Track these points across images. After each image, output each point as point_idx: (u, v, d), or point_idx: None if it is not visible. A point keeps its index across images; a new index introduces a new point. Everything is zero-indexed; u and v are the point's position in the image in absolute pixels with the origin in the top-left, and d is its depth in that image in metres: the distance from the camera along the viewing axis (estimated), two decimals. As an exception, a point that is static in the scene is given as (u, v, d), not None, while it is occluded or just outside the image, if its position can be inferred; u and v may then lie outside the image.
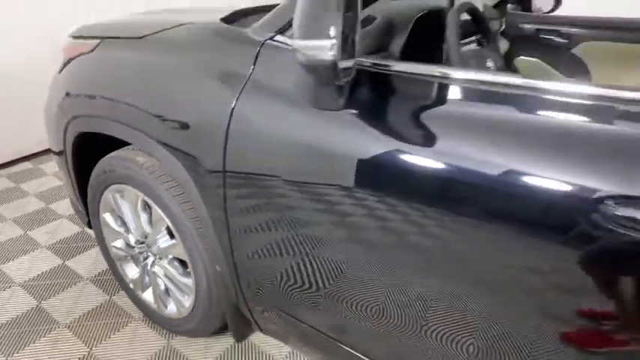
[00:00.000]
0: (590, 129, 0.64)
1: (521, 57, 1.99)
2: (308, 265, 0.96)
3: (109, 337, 1.52)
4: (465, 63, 1.08)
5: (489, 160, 0.67)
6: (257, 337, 1.51)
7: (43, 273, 1.82)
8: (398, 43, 1.03)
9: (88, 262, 1.89)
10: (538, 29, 1.95)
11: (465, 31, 1.33)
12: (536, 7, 2.08)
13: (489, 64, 1.21)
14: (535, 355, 0.69)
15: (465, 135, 0.70)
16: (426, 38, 1.06)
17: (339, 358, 1.07)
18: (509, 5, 2.03)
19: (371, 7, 0.86)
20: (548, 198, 0.62)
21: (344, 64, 0.67)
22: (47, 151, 2.89)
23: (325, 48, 0.63)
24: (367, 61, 0.82)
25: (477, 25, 1.28)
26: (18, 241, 2.03)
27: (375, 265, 0.84)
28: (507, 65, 1.99)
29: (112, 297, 1.70)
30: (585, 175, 0.60)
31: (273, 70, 0.90)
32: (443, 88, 0.78)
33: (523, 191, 0.64)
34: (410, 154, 0.74)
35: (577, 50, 1.88)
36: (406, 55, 1.05)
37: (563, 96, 0.67)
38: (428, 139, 0.73)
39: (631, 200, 0.56)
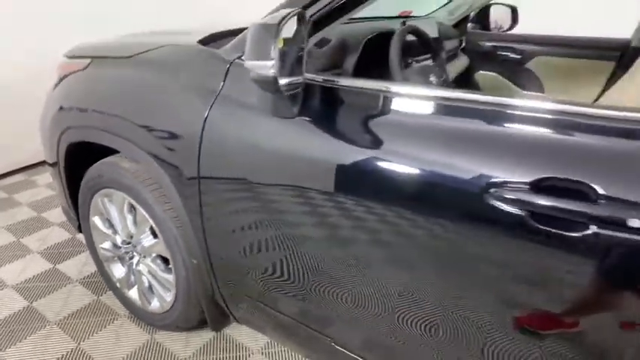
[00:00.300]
0: (487, 129, 0.79)
1: (481, 72, 2.18)
2: (274, 257, 1.10)
3: (96, 333, 1.62)
4: (408, 78, 1.24)
5: (417, 158, 0.81)
6: (234, 331, 1.62)
7: (34, 276, 1.93)
8: (351, 62, 1.18)
9: (78, 266, 2.00)
10: (495, 46, 2.14)
11: (421, 50, 1.50)
12: (495, 26, 2.27)
13: (432, 78, 1.37)
14: (493, 335, 0.82)
15: (396, 138, 0.85)
16: (376, 57, 1.22)
17: (312, 346, 1.19)
18: (469, 24, 2.22)
19: (325, 31, 1.01)
20: (469, 191, 0.76)
21: (284, 80, 0.82)
22: (40, 164, 3.02)
23: (267, 67, 0.78)
24: (318, 77, 0.97)
25: (422, 45, 1.45)
26: (10, 247, 2.13)
27: (335, 255, 0.98)
28: (468, 79, 2.18)
29: (100, 297, 1.81)
30: (494, 168, 0.74)
31: (239, 85, 1.04)
32: (381, 100, 0.93)
33: (447, 184, 0.78)
34: (350, 154, 0.88)
35: (530, 65, 2.06)
36: (358, 72, 1.21)
37: (476, 104, 0.81)
38: (366, 142, 0.87)
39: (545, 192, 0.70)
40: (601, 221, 0.65)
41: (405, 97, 0.88)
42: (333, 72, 1.17)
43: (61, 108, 1.53)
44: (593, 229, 0.65)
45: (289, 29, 0.86)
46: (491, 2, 2.13)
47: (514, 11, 2.20)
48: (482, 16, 2.19)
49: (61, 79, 1.60)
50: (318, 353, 1.21)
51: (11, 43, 2.68)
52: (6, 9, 2.64)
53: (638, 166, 0.65)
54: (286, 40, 0.80)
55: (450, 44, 1.99)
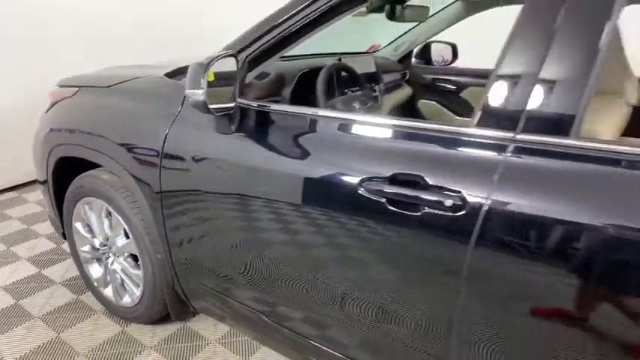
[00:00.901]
0: (364, 139, 1.06)
1: (422, 100, 2.49)
2: (223, 252, 1.34)
3: (75, 326, 1.84)
4: (334, 104, 1.54)
5: (323, 163, 1.08)
6: (197, 324, 1.85)
7: (21, 279, 2.15)
8: (287, 91, 1.47)
9: (61, 271, 2.22)
10: (435, 78, 2.46)
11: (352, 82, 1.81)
12: (439, 60, 2.60)
13: (355, 105, 1.66)
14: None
15: (312, 149, 1.12)
16: (309, 87, 1.51)
17: (264, 332, 1.41)
18: (413, 59, 2.55)
19: (264, 66, 1.30)
20: (352, 185, 1.02)
21: (213, 105, 1.10)
22: (30, 183, 3.26)
23: (198, 94, 1.06)
24: (253, 103, 1.25)
25: (351, 79, 1.75)
26: (1, 255, 2.36)
27: (271, 247, 1.22)
28: (412, 107, 2.49)
29: (79, 296, 2.03)
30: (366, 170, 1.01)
31: (192, 108, 1.32)
32: (302, 121, 1.20)
33: (341, 181, 1.04)
34: (276, 163, 1.14)
35: (464, 94, 2.38)
36: (294, 99, 1.50)
37: (359, 123, 1.09)
38: (289, 153, 1.14)
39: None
40: (430, 203, 0.91)
41: (323, 118, 1.16)
42: (273, 99, 1.45)
43: (51, 129, 1.80)
44: (426, 209, 0.92)
45: (231, 65, 1.16)
46: (431, 40, 2.46)
47: (454, 48, 2.53)
48: (425, 52, 2.51)
49: (52, 105, 1.87)
50: (273, 340, 1.42)
51: (6, 75, 2.97)
52: (7, 46, 2.95)
53: (451, 163, 0.92)
54: (218, 74, 1.09)
55: (393, 77, 2.31)
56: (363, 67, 1.95)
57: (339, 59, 1.78)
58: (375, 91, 2.00)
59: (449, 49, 2.54)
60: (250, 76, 1.31)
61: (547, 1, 0.85)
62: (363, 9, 1.39)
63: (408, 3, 1.70)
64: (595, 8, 0.81)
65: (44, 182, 1.95)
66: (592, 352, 0.81)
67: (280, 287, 1.25)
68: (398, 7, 1.61)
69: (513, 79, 0.88)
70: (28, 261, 2.31)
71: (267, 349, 1.72)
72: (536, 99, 0.85)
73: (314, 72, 1.55)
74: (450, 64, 2.57)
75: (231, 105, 1.16)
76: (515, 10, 0.91)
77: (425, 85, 2.46)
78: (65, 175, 1.85)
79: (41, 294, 2.04)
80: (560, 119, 0.83)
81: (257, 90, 1.43)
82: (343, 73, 1.64)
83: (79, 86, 1.75)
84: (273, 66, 1.47)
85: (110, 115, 1.57)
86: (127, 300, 1.81)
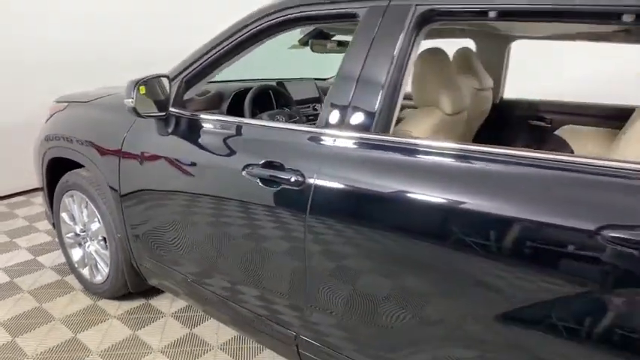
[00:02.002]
0: (256, 138, 1.42)
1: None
2: (162, 230, 1.70)
3: (55, 299, 2.21)
4: (261, 117, 1.92)
5: (233, 157, 1.44)
6: (157, 302, 2.19)
7: (18, 263, 2.55)
8: (225, 106, 1.86)
9: (52, 258, 2.61)
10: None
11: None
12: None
13: (279, 118, 2.03)
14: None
15: (234, 149, 1.48)
16: (241, 104, 1.90)
17: (206, 303, 1.73)
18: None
19: (206, 86, 1.69)
20: (239, 170, 1.38)
21: (143, 111, 1.48)
22: (39, 189, 3.71)
23: (129, 102, 1.45)
24: (185, 112, 1.63)
25: (283, 98, 2.14)
26: (4, 244, 2.77)
27: (204, 227, 1.57)
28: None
29: (64, 277, 2.40)
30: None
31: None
32: (226, 127, 1.57)
33: (235, 167, 1.40)
34: (201, 158, 1.51)
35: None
36: (230, 112, 1.88)
37: (258, 127, 1.45)
38: (213, 150, 1.50)
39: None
40: (284, 180, 1.26)
41: (232, 123, 1.52)
42: (212, 111, 1.84)
43: (46, 135, 2.23)
44: (283, 184, 1.26)
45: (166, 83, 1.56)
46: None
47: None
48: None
49: (50, 116, 2.31)
50: (215, 309, 1.73)
51: (25, 92, 3.48)
52: (18, 68, 3.47)
53: (298, 152, 1.27)
54: (152, 89, 1.48)
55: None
56: (305, 90, 2.34)
57: (278, 83, 2.18)
58: (316, 109, 2.38)
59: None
60: (192, 93, 1.71)
61: (359, 47, 1.22)
62: (296, 42, 1.78)
63: (334, 38, 2.09)
64: (383, 54, 1.18)
65: (42, 188, 2.37)
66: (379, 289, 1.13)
67: (206, 259, 1.60)
68: (321, 42, 2.00)
69: (338, 96, 1.24)
70: (26, 250, 2.71)
71: (210, 323, 2.05)
72: (351, 109, 1.21)
73: (247, 91, 1.95)
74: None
75: (163, 113, 1.55)
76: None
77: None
78: (56, 174, 2.26)
79: (32, 275, 2.43)
80: (364, 121, 1.18)
81: (198, 103, 1.82)
82: (283, 91, 2.04)
83: (69, 102, 2.18)
84: (220, 86, 1.87)
85: (87, 124, 1.99)
86: (98, 278, 2.17)
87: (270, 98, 2.06)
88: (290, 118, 2.03)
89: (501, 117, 2.32)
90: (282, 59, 2.48)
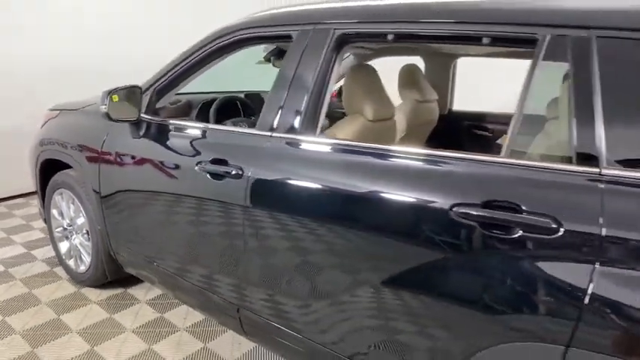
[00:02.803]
0: (197, 138, 1.66)
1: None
2: (134, 222, 1.94)
3: (44, 286, 2.45)
4: (226, 123, 2.17)
5: (194, 154, 1.69)
6: (135, 291, 2.42)
7: (13, 255, 2.80)
8: (194, 114, 2.12)
9: (44, 252, 2.86)
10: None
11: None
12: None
13: (240, 124, 2.28)
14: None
15: (191, 149, 1.72)
16: (208, 112, 2.16)
17: (172, 286, 1.97)
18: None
19: (176, 96, 1.94)
20: (191, 165, 1.62)
21: (116, 117, 1.74)
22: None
23: (103, 109, 1.71)
24: (155, 118, 1.88)
25: (244, 108, 2.40)
26: (2, 240, 3.02)
27: (173, 217, 1.81)
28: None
29: (53, 268, 2.65)
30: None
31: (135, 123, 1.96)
32: (187, 131, 1.82)
33: (185, 168, 1.64)
34: (169, 158, 1.75)
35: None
36: (198, 120, 2.13)
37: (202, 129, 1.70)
38: (178, 150, 1.75)
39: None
40: (229, 173, 1.50)
41: (201, 129, 1.77)
42: (181, 118, 2.10)
43: (40, 139, 2.49)
44: (227, 178, 1.50)
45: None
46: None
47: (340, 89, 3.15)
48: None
49: (44, 123, 2.58)
50: (179, 291, 1.98)
51: (27, 98, 3.78)
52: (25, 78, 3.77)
53: (238, 149, 1.51)
54: (122, 97, 1.74)
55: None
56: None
57: (245, 95, 2.44)
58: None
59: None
60: (164, 102, 1.97)
61: (291, 62, 1.47)
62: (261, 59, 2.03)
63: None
64: (309, 69, 1.42)
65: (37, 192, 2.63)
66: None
67: (169, 246, 1.83)
68: (280, 58, 2.26)
69: (272, 104, 1.48)
70: (21, 245, 2.96)
71: (179, 309, 2.28)
72: (282, 115, 1.45)
73: (214, 101, 2.20)
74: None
75: (134, 118, 1.80)
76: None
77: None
78: (48, 174, 2.52)
79: (25, 265, 2.67)
80: (292, 124, 1.42)
81: (170, 111, 2.08)
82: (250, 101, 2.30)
83: (61, 109, 2.45)
84: (192, 96, 2.13)
85: (74, 129, 2.25)
86: (82, 268, 2.41)
87: (237, 108, 2.32)
88: (253, 125, 2.27)
89: (449, 126, 2.55)
90: (255, 74, 2.75)
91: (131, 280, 2.46)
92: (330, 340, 1.37)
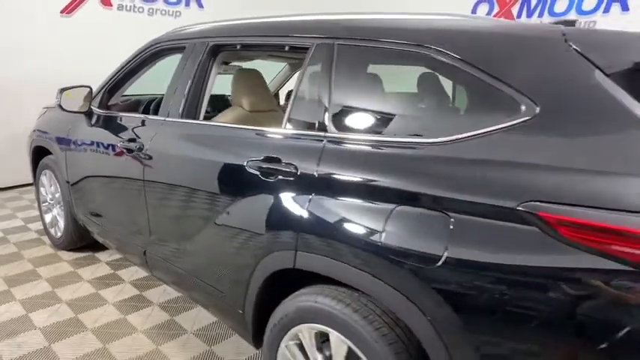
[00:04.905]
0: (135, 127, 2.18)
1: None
2: (90, 194, 2.49)
3: (31, 249, 3.04)
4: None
5: (125, 139, 2.22)
6: (102, 256, 2.97)
7: (13, 227, 3.43)
8: (140, 109, 2.66)
9: (37, 225, 3.47)
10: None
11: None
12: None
13: None
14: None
15: (119, 133, 2.26)
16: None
17: (113, 241, 2.50)
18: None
19: (119, 93, 2.50)
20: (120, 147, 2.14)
21: (67, 108, 2.29)
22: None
23: (56, 102, 2.26)
24: (103, 111, 2.43)
25: None
26: (7, 216, 3.68)
27: (114, 188, 2.35)
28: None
29: (41, 237, 3.25)
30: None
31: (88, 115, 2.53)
32: (122, 120, 2.35)
33: (116, 148, 2.17)
34: (109, 140, 2.29)
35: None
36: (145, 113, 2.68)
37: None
38: (120, 136, 2.29)
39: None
40: (135, 149, 2.00)
41: (129, 118, 2.30)
42: (130, 112, 2.65)
43: (34, 129, 3.11)
44: (134, 152, 2.01)
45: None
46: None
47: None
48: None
49: (39, 117, 3.21)
50: (118, 245, 2.51)
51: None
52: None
53: (147, 131, 2.02)
54: (72, 93, 2.29)
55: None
56: (218, 102, 3.11)
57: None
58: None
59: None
60: (115, 99, 2.52)
61: (181, 66, 1.97)
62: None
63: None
64: (190, 71, 1.92)
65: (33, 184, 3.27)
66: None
67: (106, 211, 2.36)
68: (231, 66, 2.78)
69: (167, 97, 1.99)
70: (21, 219, 3.61)
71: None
72: (171, 104, 1.95)
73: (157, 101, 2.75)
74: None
75: (84, 110, 2.36)
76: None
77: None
78: (39, 158, 3.14)
79: (20, 234, 3.30)
80: (178, 111, 1.92)
81: (121, 106, 2.63)
82: None
83: (49, 107, 3.07)
84: (144, 97, 2.69)
85: (52, 122, 2.85)
86: (59, 234, 2.99)
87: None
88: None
89: None
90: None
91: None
92: (190, 268, 1.85)
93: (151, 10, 5.04)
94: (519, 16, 4.41)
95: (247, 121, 2.16)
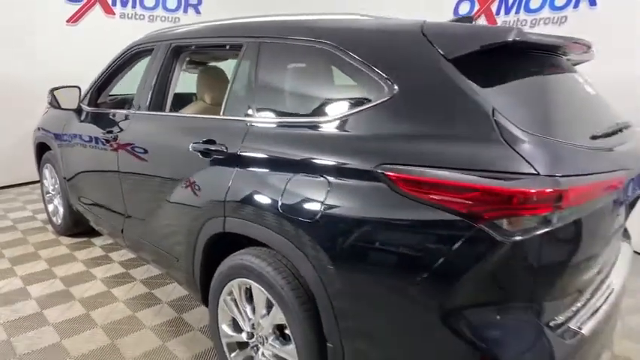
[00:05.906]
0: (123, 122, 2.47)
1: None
2: (84, 182, 2.80)
3: (35, 235, 3.38)
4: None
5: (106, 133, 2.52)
6: (97, 241, 3.29)
7: (22, 217, 3.79)
8: (125, 105, 2.96)
9: (44, 216, 3.82)
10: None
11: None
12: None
13: None
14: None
15: (102, 126, 2.56)
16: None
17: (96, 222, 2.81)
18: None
19: (105, 92, 2.80)
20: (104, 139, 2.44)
21: (59, 106, 2.60)
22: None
23: (48, 100, 2.57)
24: (91, 108, 2.73)
25: None
26: (19, 208, 4.06)
27: (99, 178, 2.66)
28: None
29: (46, 225, 3.59)
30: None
31: (78, 112, 2.84)
32: (107, 115, 2.65)
33: (99, 140, 2.46)
34: (96, 133, 2.59)
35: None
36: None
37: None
38: (104, 128, 2.59)
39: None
40: (110, 139, 2.29)
41: (114, 113, 2.60)
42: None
43: (37, 127, 3.46)
44: (110, 142, 2.30)
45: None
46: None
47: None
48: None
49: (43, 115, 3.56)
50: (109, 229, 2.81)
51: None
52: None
53: (121, 123, 2.30)
54: (62, 92, 2.60)
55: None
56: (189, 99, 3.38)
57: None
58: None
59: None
60: (103, 97, 2.83)
61: (150, 65, 2.26)
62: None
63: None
64: (156, 69, 2.20)
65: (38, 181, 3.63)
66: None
67: (97, 197, 2.67)
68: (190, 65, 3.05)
69: (138, 92, 2.27)
70: (30, 210, 3.98)
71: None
72: (139, 98, 2.23)
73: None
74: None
75: (74, 107, 2.67)
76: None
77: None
78: (42, 153, 3.48)
79: (28, 223, 3.65)
80: (146, 104, 2.20)
81: (109, 104, 2.94)
82: None
83: (50, 107, 3.41)
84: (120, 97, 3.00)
85: (51, 120, 3.18)
86: (60, 221, 3.33)
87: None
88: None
89: None
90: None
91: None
92: (154, 240, 2.12)
93: (151, 17, 5.38)
94: (498, 13, 4.56)
95: (207, 113, 2.44)
